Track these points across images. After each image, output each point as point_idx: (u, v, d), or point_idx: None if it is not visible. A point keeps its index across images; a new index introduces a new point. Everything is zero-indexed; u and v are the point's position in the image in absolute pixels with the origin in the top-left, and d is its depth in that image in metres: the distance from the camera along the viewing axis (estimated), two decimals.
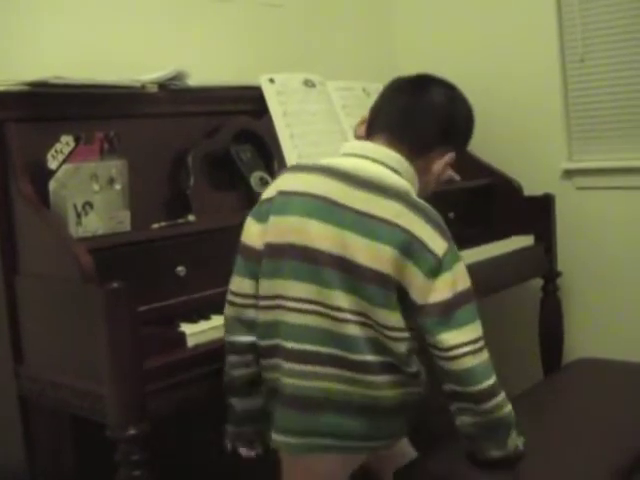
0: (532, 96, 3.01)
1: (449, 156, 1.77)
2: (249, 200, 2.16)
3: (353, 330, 1.61)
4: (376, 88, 2.75)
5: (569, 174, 2.98)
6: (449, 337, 1.59)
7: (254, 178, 2.18)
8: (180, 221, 1.99)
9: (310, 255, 1.62)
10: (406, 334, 1.63)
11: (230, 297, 1.74)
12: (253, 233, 1.70)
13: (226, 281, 1.76)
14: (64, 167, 1.82)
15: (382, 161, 1.68)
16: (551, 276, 2.91)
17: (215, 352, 1.76)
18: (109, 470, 1.60)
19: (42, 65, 2.07)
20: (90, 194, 1.86)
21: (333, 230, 1.61)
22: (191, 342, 1.74)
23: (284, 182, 1.71)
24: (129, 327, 1.57)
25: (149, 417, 1.61)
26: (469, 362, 1.60)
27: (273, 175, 2.25)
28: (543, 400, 2.16)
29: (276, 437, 1.66)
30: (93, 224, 1.86)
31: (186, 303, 1.90)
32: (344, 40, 3.24)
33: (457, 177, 2.92)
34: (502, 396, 1.64)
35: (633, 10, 2.85)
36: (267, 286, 1.67)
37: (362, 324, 1.61)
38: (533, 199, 2.89)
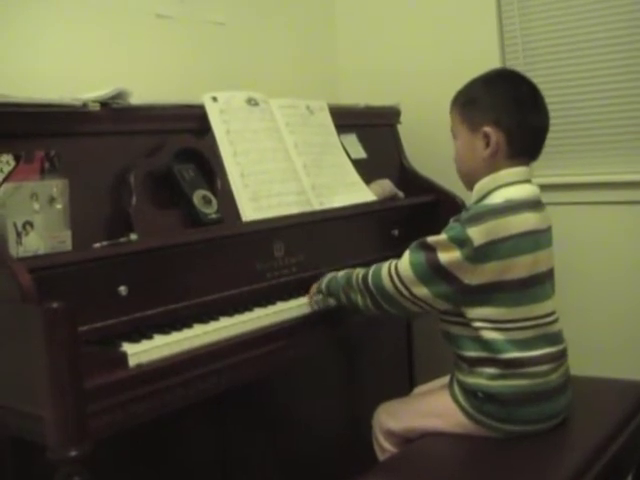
0: None
1: None
2: (192, 219, 2.17)
3: None
4: (319, 106, 2.78)
5: None
6: None
7: (197, 196, 2.17)
8: (122, 240, 1.98)
9: None
10: None
11: None
12: None
13: (168, 300, 1.74)
14: (4, 186, 1.81)
15: None
16: None
17: (158, 371, 1.74)
18: None
19: None
20: (30, 213, 1.84)
21: None
22: (133, 362, 1.72)
23: None
24: (68, 347, 1.55)
25: (91, 438, 1.59)
26: None
27: (216, 193, 2.25)
28: None
29: None
30: (34, 243, 1.84)
31: (128, 323, 1.89)
32: (287, 58, 3.27)
33: (401, 194, 2.97)
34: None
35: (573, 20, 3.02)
36: None
37: None
38: None
